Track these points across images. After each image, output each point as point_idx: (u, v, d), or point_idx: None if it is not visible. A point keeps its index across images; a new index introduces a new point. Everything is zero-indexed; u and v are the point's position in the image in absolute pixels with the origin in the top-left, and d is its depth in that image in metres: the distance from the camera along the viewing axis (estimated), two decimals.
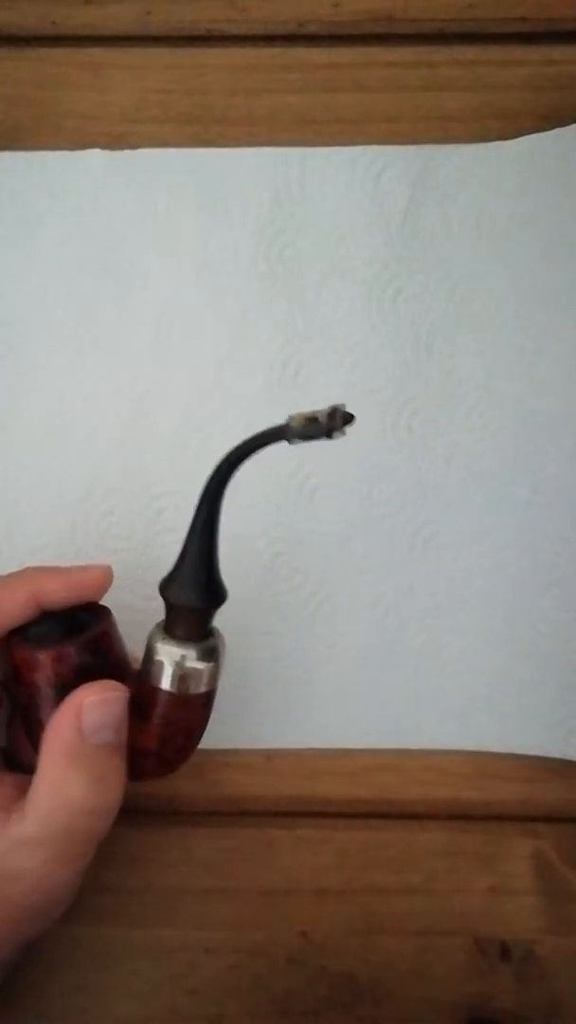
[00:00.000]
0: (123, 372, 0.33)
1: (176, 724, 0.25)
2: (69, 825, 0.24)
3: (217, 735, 0.32)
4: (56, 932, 0.31)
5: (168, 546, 0.32)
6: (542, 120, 0.33)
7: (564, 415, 0.33)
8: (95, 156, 0.33)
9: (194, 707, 0.25)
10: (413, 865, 0.31)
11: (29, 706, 0.25)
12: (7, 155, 0.33)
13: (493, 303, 0.33)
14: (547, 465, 0.33)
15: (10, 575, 0.26)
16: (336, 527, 0.33)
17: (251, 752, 0.32)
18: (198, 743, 0.26)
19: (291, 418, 0.22)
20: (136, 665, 0.25)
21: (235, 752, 0.32)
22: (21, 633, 0.25)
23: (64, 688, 0.24)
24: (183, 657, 0.24)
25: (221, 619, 0.32)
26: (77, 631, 0.25)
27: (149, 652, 0.24)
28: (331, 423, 0.21)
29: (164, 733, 0.25)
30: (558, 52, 0.34)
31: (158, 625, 0.25)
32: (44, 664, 0.24)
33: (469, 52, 0.34)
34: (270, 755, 0.32)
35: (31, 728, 0.25)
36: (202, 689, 0.24)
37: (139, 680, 0.25)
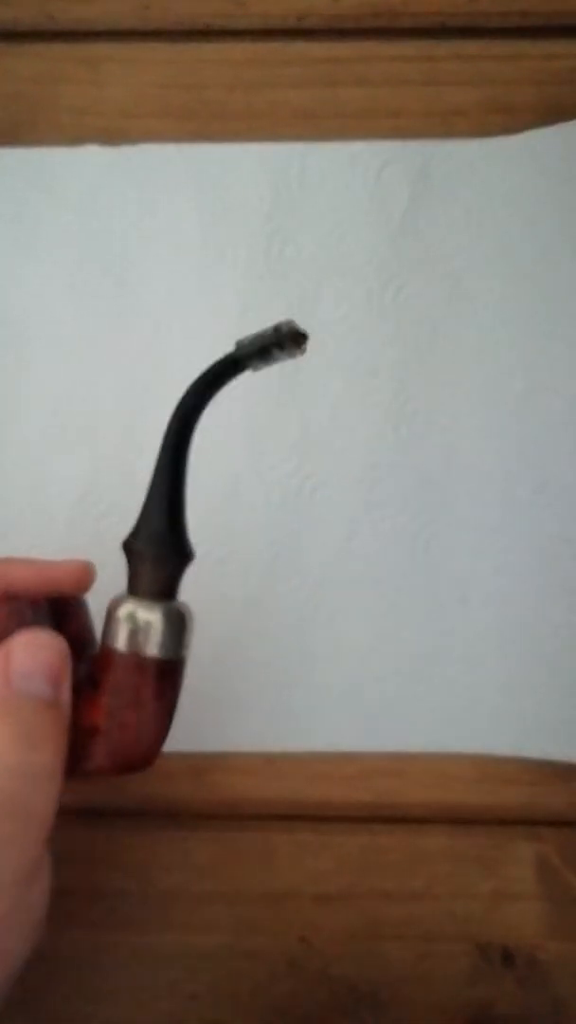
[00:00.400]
0: (121, 369, 0.32)
1: (125, 693, 0.23)
2: None
3: (217, 738, 0.32)
4: (55, 937, 0.30)
5: None
6: (544, 115, 0.33)
7: (567, 414, 0.33)
8: (93, 152, 0.33)
9: (146, 675, 0.23)
10: (414, 869, 0.31)
11: None
12: (5, 151, 0.33)
13: (495, 300, 0.33)
14: (549, 465, 0.32)
15: None
16: (336, 527, 0.32)
17: (251, 755, 0.32)
18: (157, 742, 0.24)
19: (238, 343, 0.22)
20: None
21: (235, 755, 0.32)
22: None
23: None
24: (135, 610, 0.23)
25: (221, 619, 0.32)
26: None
27: (108, 614, 0.23)
28: (277, 335, 0.21)
29: (112, 705, 0.23)
30: (560, 46, 0.33)
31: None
32: None
33: (471, 47, 0.33)
34: (270, 758, 0.32)
35: None
36: (155, 652, 0.23)
37: (98, 649, 0.24)
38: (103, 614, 0.24)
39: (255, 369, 0.22)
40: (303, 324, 0.33)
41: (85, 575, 0.25)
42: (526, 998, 0.30)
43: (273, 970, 0.30)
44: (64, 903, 0.30)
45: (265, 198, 0.32)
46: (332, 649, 0.32)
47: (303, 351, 0.22)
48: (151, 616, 0.23)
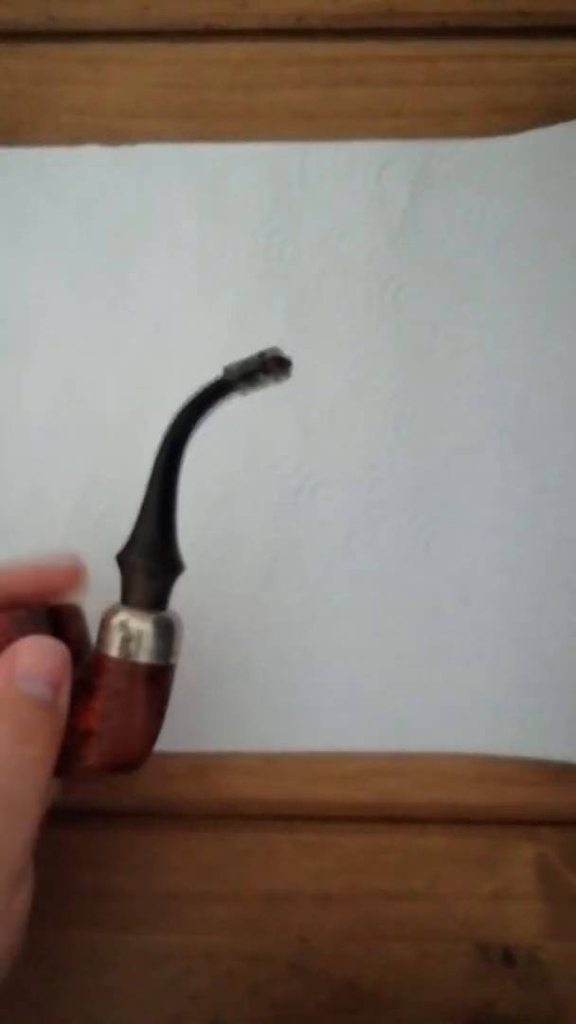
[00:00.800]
0: (121, 369, 0.32)
1: (118, 698, 0.24)
2: None
3: (216, 738, 0.32)
4: (54, 937, 0.30)
5: None
6: (545, 115, 0.33)
7: (567, 414, 0.33)
8: (93, 152, 0.33)
9: (137, 680, 0.24)
10: (414, 870, 0.31)
11: None
12: (4, 151, 0.33)
13: (496, 300, 0.33)
14: (550, 465, 0.32)
15: None
16: (336, 527, 0.32)
17: (251, 755, 0.32)
18: (147, 744, 0.25)
19: (225, 368, 0.23)
20: None
21: (234, 755, 0.32)
22: None
23: None
24: (128, 619, 0.24)
25: (222, 620, 0.32)
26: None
27: (101, 624, 0.24)
28: (262, 361, 0.22)
29: (105, 708, 0.24)
30: (561, 47, 0.33)
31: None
32: None
33: (471, 47, 0.33)
34: (270, 758, 0.32)
35: None
36: (145, 658, 0.24)
37: (92, 656, 0.25)
38: (101, 612, 0.25)
39: (243, 393, 0.23)
40: (303, 322, 0.33)
41: (78, 575, 0.26)
42: (526, 998, 0.30)
43: (273, 970, 0.30)
44: (64, 903, 0.31)
45: (265, 198, 0.32)
46: (332, 649, 0.32)
47: (288, 376, 0.23)
48: (143, 625, 0.24)
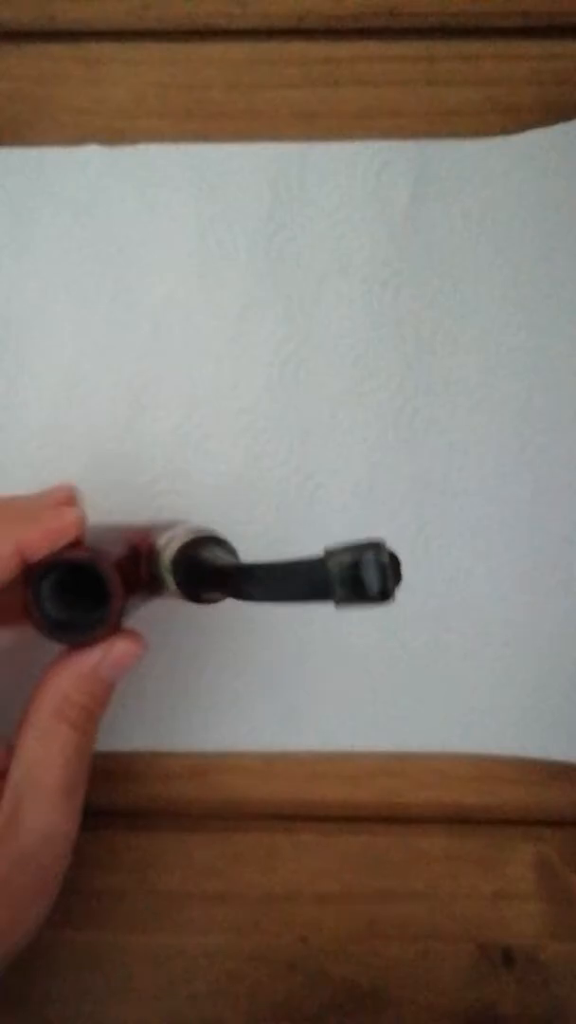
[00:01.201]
0: (122, 369, 0.32)
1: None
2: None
3: (217, 738, 0.32)
4: (55, 937, 0.30)
5: None
6: (545, 115, 0.33)
7: (567, 414, 0.32)
8: (93, 152, 0.33)
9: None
10: (415, 870, 0.31)
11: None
12: (4, 151, 0.33)
13: (496, 300, 0.32)
14: (550, 465, 0.32)
15: None
16: (336, 526, 0.32)
17: (251, 755, 0.32)
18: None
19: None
20: None
21: (235, 755, 0.32)
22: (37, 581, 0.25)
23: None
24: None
25: (222, 620, 0.32)
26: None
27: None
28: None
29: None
30: (560, 47, 0.33)
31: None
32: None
33: (471, 46, 0.33)
34: (270, 758, 0.32)
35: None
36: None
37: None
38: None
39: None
40: (303, 322, 0.33)
41: (80, 518, 0.25)
42: (526, 998, 0.30)
43: (273, 970, 0.30)
44: (64, 903, 0.31)
45: (265, 198, 0.32)
46: (332, 649, 0.32)
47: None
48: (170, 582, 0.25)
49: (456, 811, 0.32)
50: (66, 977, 0.30)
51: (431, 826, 0.32)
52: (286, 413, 0.32)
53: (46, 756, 0.24)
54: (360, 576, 0.19)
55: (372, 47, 0.33)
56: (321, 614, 0.32)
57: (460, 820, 0.32)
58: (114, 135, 0.33)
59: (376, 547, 0.19)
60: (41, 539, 0.24)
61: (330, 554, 0.19)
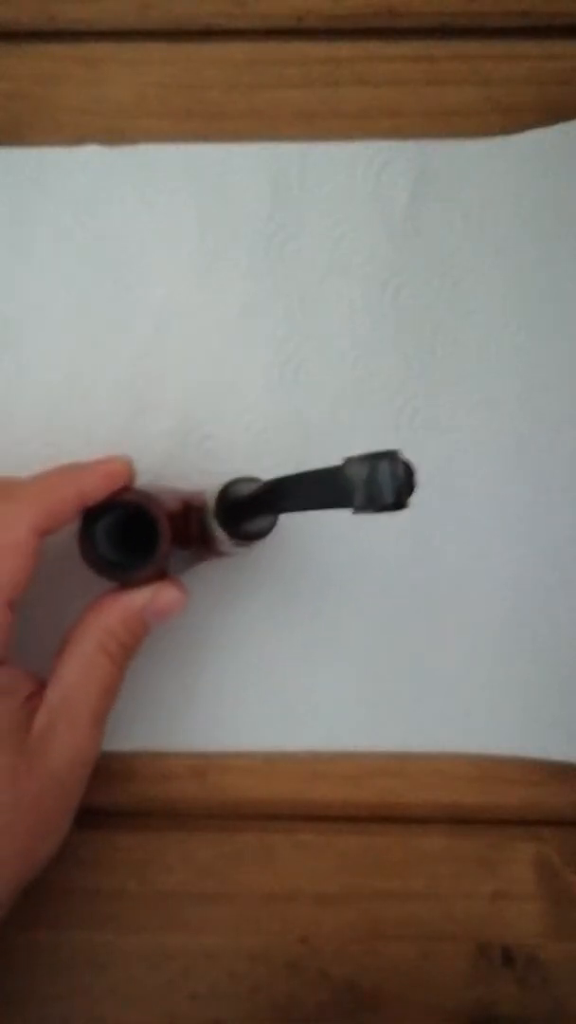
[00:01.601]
0: (121, 369, 0.32)
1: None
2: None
3: (217, 738, 0.32)
4: (53, 936, 0.30)
5: None
6: (545, 115, 0.33)
7: (567, 414, 0.33)
8: (93, 152, 0.33)
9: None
10: (415, 870, 0.31)
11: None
12: (4, 151, 0.33)
13: (495, 300, 0.33)
14: (550, 465, 0.32)
15: (52, 475, 0.26)
16: (336, 526, 0.32)
17: (250, 755, 0.32)
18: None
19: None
20: None
21: (235, 755, 0.32)
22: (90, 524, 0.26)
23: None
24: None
25: (221, 618, 0.32)
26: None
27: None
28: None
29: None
30: (560, 46, 0.33)
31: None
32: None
33: (471, 47, 0.33)
34: (270, 758, 0.32)
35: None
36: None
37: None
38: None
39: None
40: (303, 322, 0.33)
41: (130, 467, 0.27)
42: (526, 998, 0.30)
43: (273, 970, 0.30)
44: (64, 903, 0.31)
45: (265, 198, 0.32)
46: (332, 649, 0.32)
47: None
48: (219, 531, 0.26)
49: (456, 811, 0.32)
50: (64, 977, 0.30)
51: (431, 826, 0.32)
52: (286, 413, 0.32)
53: (86, 684, 0.26)
54: (376, 484, 0.19)
55: (372, 47, 0.33)
56: (321, 613, 0.32)
57: (460, 820, 0.32)
58: (114, 135, 0.33)
59: (391, 456, 0.19)
60: (98, 481, 0.26)
61: (349, 462, 0.20)
